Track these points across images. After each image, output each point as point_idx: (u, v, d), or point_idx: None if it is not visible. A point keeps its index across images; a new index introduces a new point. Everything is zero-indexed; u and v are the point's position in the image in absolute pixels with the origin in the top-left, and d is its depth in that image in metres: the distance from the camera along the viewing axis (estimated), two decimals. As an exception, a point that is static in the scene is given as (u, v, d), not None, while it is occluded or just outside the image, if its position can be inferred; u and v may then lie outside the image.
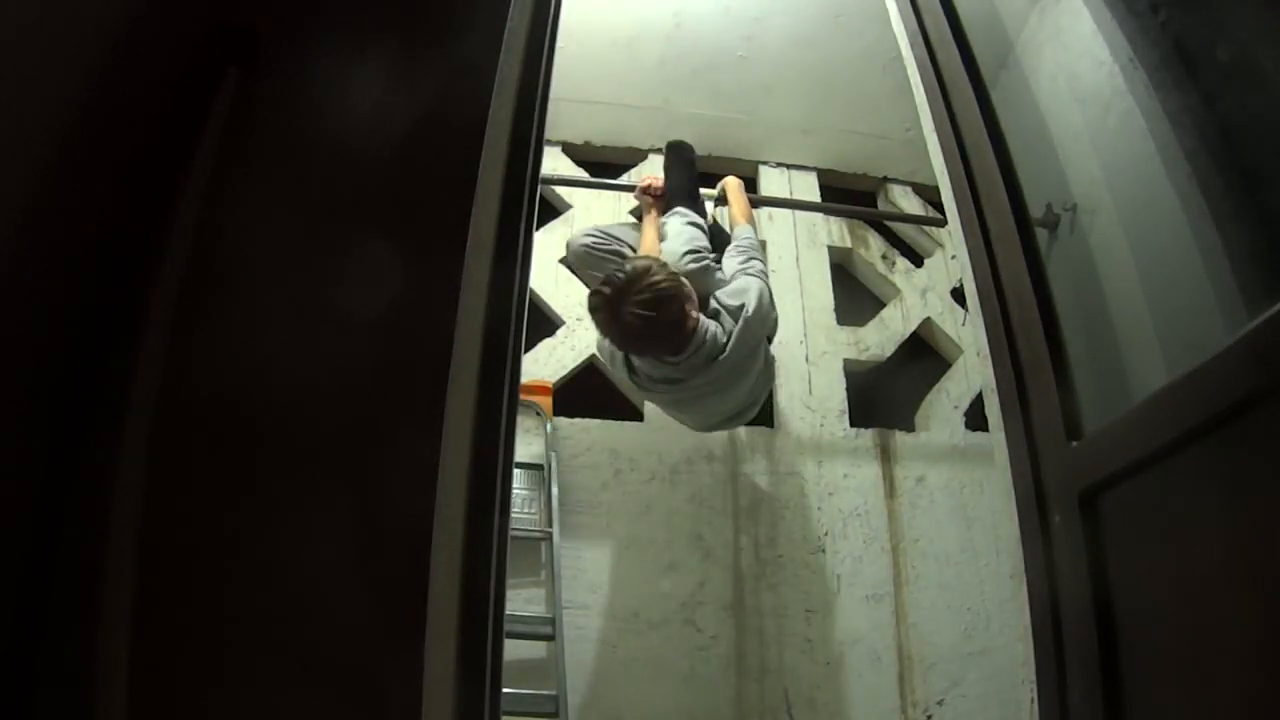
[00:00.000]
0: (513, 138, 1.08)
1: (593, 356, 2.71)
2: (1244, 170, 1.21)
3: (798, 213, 3.22)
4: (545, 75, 1.21)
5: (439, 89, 1.00)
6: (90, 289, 0.80)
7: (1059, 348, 1.24)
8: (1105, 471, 1.06)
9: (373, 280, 0.86)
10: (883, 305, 3.21)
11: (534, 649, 2.27)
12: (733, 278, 2.03)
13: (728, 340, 1.91)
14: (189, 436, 0.78)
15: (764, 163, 3.34)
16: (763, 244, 2.96)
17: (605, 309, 1.82)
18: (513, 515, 1.70)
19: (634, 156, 3.27)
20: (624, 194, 2.97)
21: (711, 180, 2.47)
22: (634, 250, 2.21)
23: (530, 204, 1.08)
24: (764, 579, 2.56)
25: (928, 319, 3.14)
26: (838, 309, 3.09)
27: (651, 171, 2.84)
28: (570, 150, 3.23)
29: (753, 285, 1.99)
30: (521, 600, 2.35)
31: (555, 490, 2.47)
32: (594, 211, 3.02)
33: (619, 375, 2.13)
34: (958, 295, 3.08)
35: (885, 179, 3.45)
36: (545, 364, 2.78)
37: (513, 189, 1.05)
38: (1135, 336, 1.35)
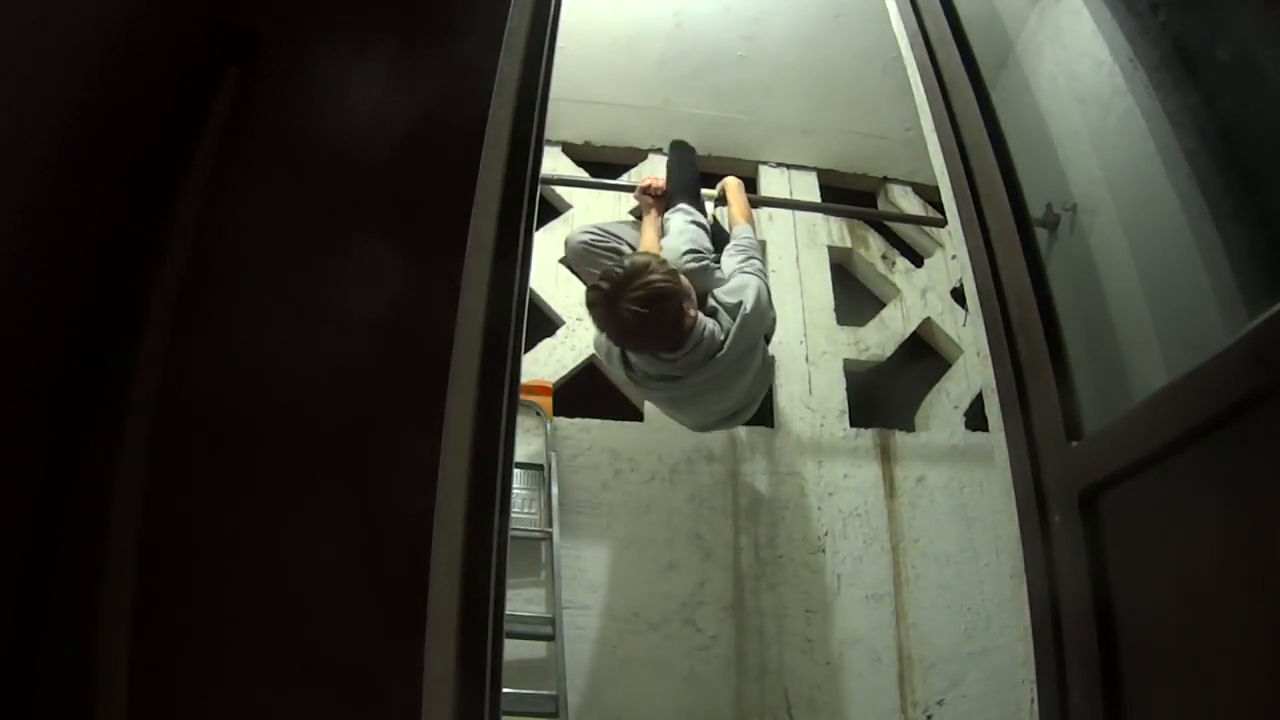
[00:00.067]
0: (513, 138, 1.08)
1: (593, 357, 2.71)
2: (1244, 170, 1.21)
3: (798, 213, 3.22)
4: (545, 75, 1.21)
5: (439, 89, 1.00)
6: (90, 289, 0.80)
7: (1059, 348, 1.24)
8: (1105, 471, 1.06)
9: (373, 280, 0.86)
10: (883, 305, 3.21)
11: (534, 649, 2.27)
12: (731, 276, 2.03)
13: (725, 338, 1.91)
14: (189, 436, 0.78)
15: (764, 163, 3.34)
16: (762, 244, 2.97)
17: (603, 304, 1.81)
18: (513, 515, 1.70)
19: (634, 156, 3.27)
20: (624, 194, 2.97)
21: (711, 180, 2.47)
22: (633, 249, 2.20)
23: (530, 204, 1.08)
24: (764, 579, 2.56)
25: (928, 319, 3.14)
26: (838, 309, 3.09)
27: (652, 171, 2.85)
28: (570, 150, 3.23)
29: (751, 283, 1.99)
30: (521, 600, 2.35)
31: (555, 490, 2.47)
32: (594, 211, 3.02)
33: (616, 372, 2.12)
34: (958, 295, 3.08)
35: (885, 179, 3.45)
36: (545, 364, 2.78)
37: (513, 189, 1.05)
38: (1135, 336, 1.35)
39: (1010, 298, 1.34)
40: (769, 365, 2.22)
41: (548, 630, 2.24)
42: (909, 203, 3.42)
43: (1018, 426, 1.26)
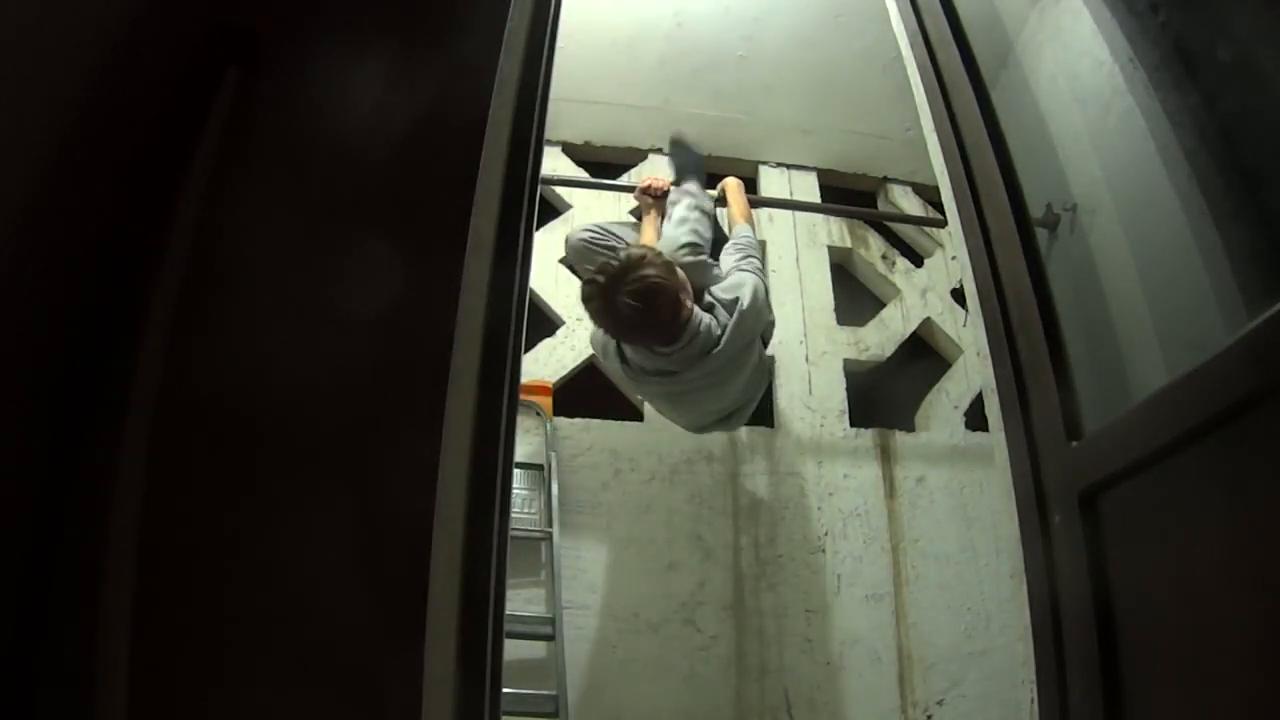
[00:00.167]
0: (513, 138, 1.08)
1: (592, 357, 2.71)
2: (1244, 170, 1.21)
3: (798, 213, 3.22)
4: (545, 75, 1.21)
5: (439, 89, 1.00)
6: (90, 289, 0.80)
7: (1059, 348, 1.24)
8: (1105, 471, 1.06)
9: (373, 280, 0.86)
10: (883, 305, 3.21)
11: (534, 649, 2.27)
12: (728, 274, 2.03)
13: (722, 334, 1.90)
14: (189, 436, 0.78)
15: (764, 163, 3.34)
16: (762, 244, 2.97)
17: (599, 297, 1.81)
18: (513, 515, 1.70)
19: (634, 156, 3.27)
20: (624, 194, 2.97)
21: (712, 181, 2.47)
22: (632, 248, 2.20)
23: (530, 204, 1.08)
24: (764, 579, 2.56)
25: (928, 319, 3.14)
26: (838, 309, 3.09)
27: (652, 171, 2.85)
28: (570, 150, 3.23)
29: (748, 280, 1.99)
30: (521, 600, 2.35)
31: (555, 490, 2.47)
32: (594, 211, 3.01)
33: (611, 366, 2.11)
34: (958, 295, 3.08)
35: (885, 179, 3.45)
36: (545, 364, 2.78)
37: (513, 189, 1.05)
38: (1135, 336, 1.35)
39: (1010, 298, 1.34)
40: (766, 366, 2.22)
41: (548, 630, 2.24)
42: (909, 203, 3.42)
43: (1018, 426, 1.26)
